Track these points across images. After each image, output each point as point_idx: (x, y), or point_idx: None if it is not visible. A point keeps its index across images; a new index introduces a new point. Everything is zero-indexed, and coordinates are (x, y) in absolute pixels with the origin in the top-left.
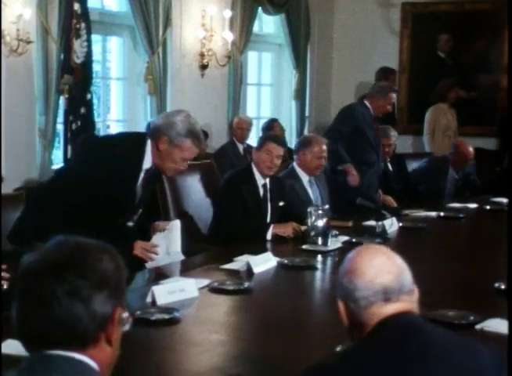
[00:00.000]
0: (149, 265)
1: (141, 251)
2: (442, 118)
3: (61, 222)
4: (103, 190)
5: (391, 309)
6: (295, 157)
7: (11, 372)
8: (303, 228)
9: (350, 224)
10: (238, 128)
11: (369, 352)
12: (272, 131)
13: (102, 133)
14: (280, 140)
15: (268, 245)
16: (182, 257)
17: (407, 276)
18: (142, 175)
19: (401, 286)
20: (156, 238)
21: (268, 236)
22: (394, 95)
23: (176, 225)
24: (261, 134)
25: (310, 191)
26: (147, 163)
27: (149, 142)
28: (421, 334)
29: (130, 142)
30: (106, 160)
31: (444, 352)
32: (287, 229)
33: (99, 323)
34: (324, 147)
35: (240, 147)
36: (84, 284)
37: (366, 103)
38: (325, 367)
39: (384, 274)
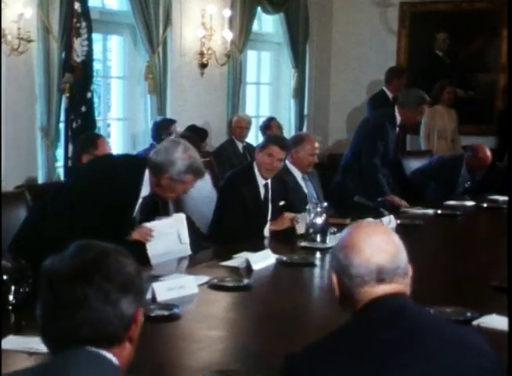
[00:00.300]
0: (157, 258)
1: (139, 234)
2: (438, 120)
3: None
4: (103, 215)
5: (383, 289)
6: (290, 156)
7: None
8: (298, 216)
9: (348, 221)
10: (237, 127)
11: (357, 332)
12: (270, 129)
13: (102, 132)
14: (284, 144)
15: (266, 242)
16: (189, 252)
17: (403, 256)
18: (140, 201)
19: (396, 267)
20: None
21: (266, 232)
22: (426, 107)
23: (181, 218)
24: (259, 132)
25: (304, 187)
26: (145, 191)
27: (147, 171)
28: (410, 316)
29: (130, 169)
30: (107, 188)
31: (433, 334)
32: (284, 222)
33: (125, 325)
34: (316, 145)
35: (240, 146)
36: (112, 288)
37: (396, 112)
38: (313, 346)
39: (380, 253)
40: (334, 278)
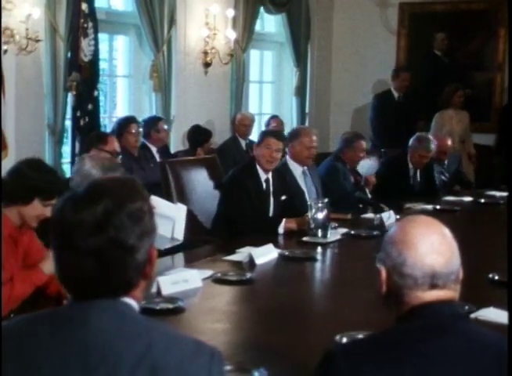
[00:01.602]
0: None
1: None
2: (447, 124)
3: None
4: None
5: (434, 295)
6: (287, 150)
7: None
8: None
9: (349, 216)
10: (240, 125)
11: (402, 337)
12: (271, 127)
13: (108, 129)
14: (279, 134)
15: (281, 239)
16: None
17: (456, 260)
18: None
19: (449, 272)
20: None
21: (281, 229)
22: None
23: (183, 209)
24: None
25: (303, 183)
26: None
27: None
28: (460, 330)
29: None
30: None
31: (481, 353)
32: (304, 222)
33: (140, 269)
34: (313, 137)
35: (243, 143)
36: (126, 238)
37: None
38: (355, 344)
39: (435, 255)
40: (383, 273)
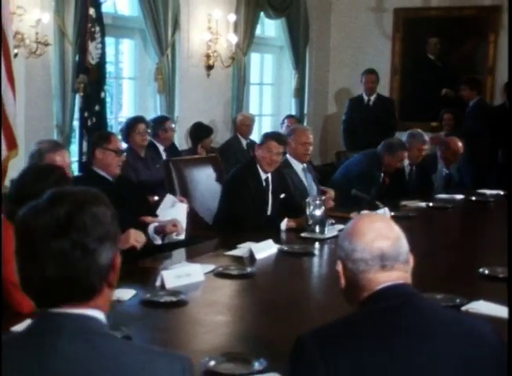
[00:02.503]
0: None
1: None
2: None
3: None
4: None
5: (386, 276)
6: (287, 149)
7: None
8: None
9: (352, 215)
10: (241, 125)
11: (367, 318)
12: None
13: (114, 129)
14: (281, 138)
15: (283, 235)
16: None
17: (404, 244)
18: None
19: (397, 254)
20: (162, 213)
21: (283, 226)
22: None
23: (183, 208)
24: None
25: (304, 179)
26: None
27: None
28: (417, 306)
29: None
30: None
31: (441, 324)
32: (302, 223)
33: (102, 274)
34: (307, 134)
35: (244, 142)
36: (89, 240)
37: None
38: (324, 328)
39: (382, 239)
40: (340, 266)
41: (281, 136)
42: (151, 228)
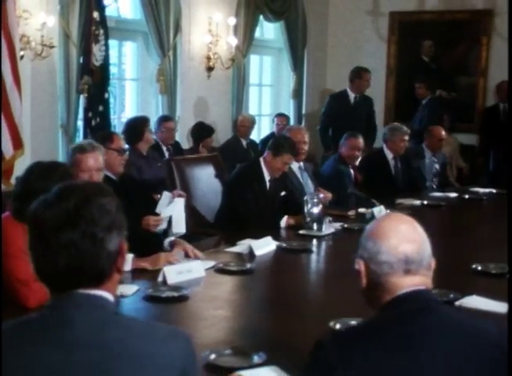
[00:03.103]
0: None
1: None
2: None
3: None
4: None
5: (409, 281)
6: None
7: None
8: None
9: (350, 213)
10: (241, 126)
11: (384, 325)
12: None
13: (117, 129)
14: (295, 151)
15: (283, 232)
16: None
17: (427, 248)
18: None
19: (421, 258)
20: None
21: (282, 223)
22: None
23: (180, 202)
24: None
25: (300, 177)
26: None
27: None
28: (433, 314)
29: None
30: None
31: (453, 331)
32: (300, 220)
33: (112, 260)
34: (303, 133)
35: (244, 142)
36: (97, 230)
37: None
38: (343, 333)
39: (407, 242)
40: (362, 266)
41: (295, 148)
42: (167, 242)
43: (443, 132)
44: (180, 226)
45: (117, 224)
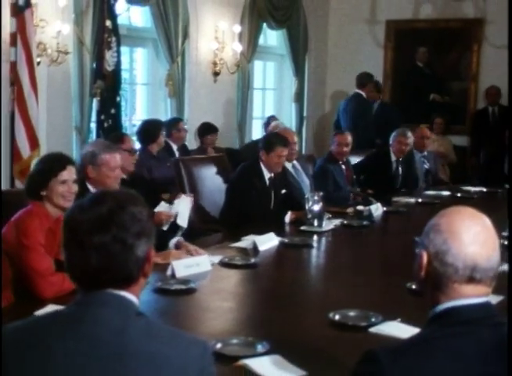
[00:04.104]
0: None
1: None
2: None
3: None
4: None
5: (471, 290)
6: None
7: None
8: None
9: (349, 210)
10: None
11: (439, 343)
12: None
13: (128, 131)
14: (285, 142)
15: (287, 227)
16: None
17: (497, 257)
18: None
19: (489, 268)
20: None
21: (287, 219)
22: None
23: (186, 200)
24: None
25: (295, 175)
26: None
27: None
28: (488, 327)
29: None
30: None
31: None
32: (302, 216)
33: (140, 266)
34: (292, 135)
35: None
36: (127, 236)
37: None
38: (394, 349)
39: (479, 247)
40: (424, 258)
41: (284, 139)
42: (172, 243)
43: (426, 131)
44: (183, 221)
45: (147, 232)
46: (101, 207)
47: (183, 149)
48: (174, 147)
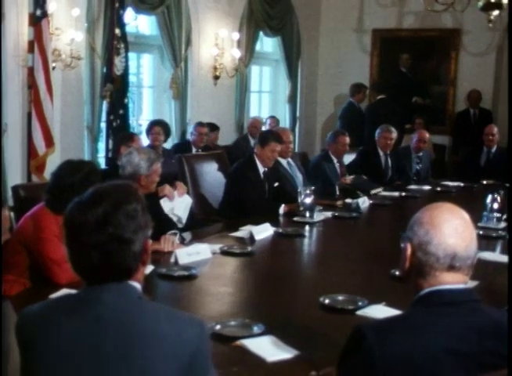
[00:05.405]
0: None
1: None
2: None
3: None
4: None
5: (451, 277)
6: None
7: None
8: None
9: (339, 203)
10: (253, 127)
11: (419, 320)
12: (269, 125)
13: (135, 130)
14: (279, 138)
15: (281, 218)
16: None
17: (474, 247)
18: None
19: (467, 257)
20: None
21: (281, 211)
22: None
23: (187, 201)
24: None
25: (290, 171)
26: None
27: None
28: (466, 306)
29: None
30: None
31: (485, 330)
32: (295, 208)
33: (138, 258)
34: (288, 134)
35: (252, 141)
36: (123, 234)
37: None
38: (378, 325)
39: (458, 238)
40: (409, 249)
41: (278, 135)
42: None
43: (425, 134)
44: (183, 214)
45: (142, 225)
46: (97, 208)
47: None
48: (194, 149)
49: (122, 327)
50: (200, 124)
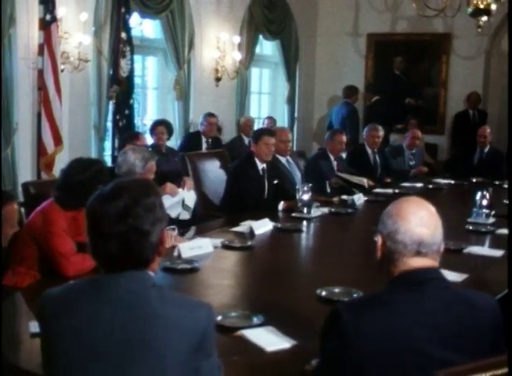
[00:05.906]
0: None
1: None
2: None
3: None
4: None
5: (418, 262)
6: None
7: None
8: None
9: (335, 200)
10: (245, 126)
11: (391, 299)
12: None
13: (140, 130)
14: (270, 131)
15: (280, 214)
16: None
17: (440, 234)
18: None
19: (433, 243)
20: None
21: (280, 207)
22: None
23: (193, 197)
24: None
25: (289, 168)
26: None
27: None
28: (433, 285)
29: None
30: None
31: (451, 302)
32: (293, 204)
33: (154, 249)
34: (287, 133)
35: (246, 140)
36: (142, 225)
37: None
38: (353, 305)
39: (424, 227)
40: (380, 240)
41: (270, 130)
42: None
43: (417, 132)
44: (189, 205)
45: (160, 218)
46: (118, 201)
47: (216, 141)
48: (204, 139)
49: (135, 310)
50: (209, 115)
